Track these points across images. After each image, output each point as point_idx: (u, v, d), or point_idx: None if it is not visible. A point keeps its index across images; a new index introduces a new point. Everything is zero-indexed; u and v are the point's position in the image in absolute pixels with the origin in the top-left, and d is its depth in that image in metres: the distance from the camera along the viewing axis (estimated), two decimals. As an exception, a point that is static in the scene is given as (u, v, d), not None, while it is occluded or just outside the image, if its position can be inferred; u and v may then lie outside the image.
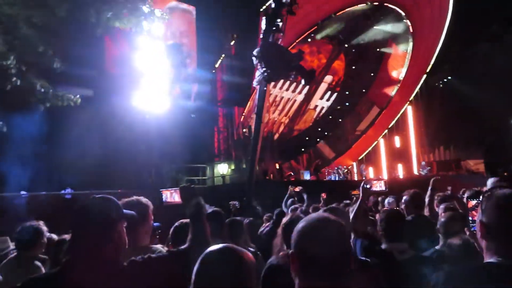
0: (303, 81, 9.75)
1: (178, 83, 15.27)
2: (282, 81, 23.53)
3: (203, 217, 1.99)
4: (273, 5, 9.88)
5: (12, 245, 3.81)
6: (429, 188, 4.29)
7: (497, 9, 24.77)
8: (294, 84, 23.68)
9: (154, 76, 14.47)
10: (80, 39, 9.16)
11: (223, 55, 17.50)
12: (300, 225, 1.33)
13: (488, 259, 1.43)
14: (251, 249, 3.35)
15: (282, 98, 24.24)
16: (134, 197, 2.30)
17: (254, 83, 10.44)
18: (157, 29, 14.96)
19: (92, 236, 1.66)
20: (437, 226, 3.13)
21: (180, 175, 13.67)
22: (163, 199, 2.44)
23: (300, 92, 24.91)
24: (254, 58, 9.56)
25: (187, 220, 2.17)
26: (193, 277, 1.31)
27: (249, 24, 15.13)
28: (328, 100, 25.73)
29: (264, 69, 9.37)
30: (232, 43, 17.27)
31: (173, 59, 15.07)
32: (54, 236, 3.66)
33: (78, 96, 8.77)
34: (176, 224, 2.70)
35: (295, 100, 25.14)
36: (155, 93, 14.20)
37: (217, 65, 17.64)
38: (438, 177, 4.59)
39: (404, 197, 4.11)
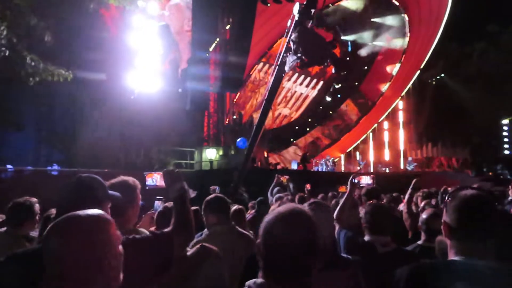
0: (333, 70, 9.73)
1: (168, 63, 15.19)
2: (297, 75, 23.73)
3: (186, 201, 1.99)
4: None
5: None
6: (410, 187, 4.36)
7: (494, 9, 24.87)
8: (308, 78, 23.84)
9: (146, 55, 14.33)
10: (74, 16, 8.98)
11: (217, 39, 17.31)
12: (269, 216, 1.31)
13: (452, 257, 1.48)
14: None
15: (295, 92, 24.37)
16: (121, 177, 2.23)
17: (286, 69, 10.39)
18: (152, 8, 14.81)
19: None
20: (419, 223, 3.19)
21: (168, 158, 13.63)
22: (147, 184, 2.41)
23: (314, 88, 25.21)
24: (291, 43, 9.50)
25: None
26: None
27: (245, 9, 14.96)
28: (307, 86, 25.80)
29: (300, 54, 9.33)
30: (227, 27, 17.08)
31: (164, 39, 14.97)
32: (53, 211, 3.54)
33: (69, 72, 8.62)
34: (161, 209, 2.66)
35: (307, 95, 25.42)
36: (147, 73, 14.08)
37: (211, 48, 17.45)
38: (419, 178, 4.67)
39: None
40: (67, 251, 1.12)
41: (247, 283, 1.26)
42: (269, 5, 16.71)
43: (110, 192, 1.91)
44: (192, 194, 2.28)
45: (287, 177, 6.66)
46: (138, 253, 1.34)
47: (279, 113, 25.31)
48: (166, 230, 1.86)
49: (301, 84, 25.40)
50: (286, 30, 10.54)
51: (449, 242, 1.52)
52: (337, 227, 2.88)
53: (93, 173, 1.91)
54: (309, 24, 9.72)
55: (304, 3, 9.70)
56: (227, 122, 18.10)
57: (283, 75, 10.76)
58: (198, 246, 2.28)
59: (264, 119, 11.46)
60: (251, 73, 23.39)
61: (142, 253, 1.62)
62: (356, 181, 3.31)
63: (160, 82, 14.70)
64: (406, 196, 4.63)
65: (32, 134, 12.04)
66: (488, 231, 1.46)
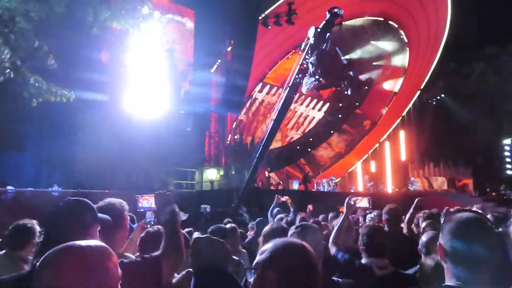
0: (349, 91, 9.96)
1: (172, 85, 15.35)
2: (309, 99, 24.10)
3: (177, 224, 1.97)
4: (327, 16, 10.15)
5: None
6: (412, 206, 4.32)
7: (492, 31, 25.21)
8: (321, 102, 24.18)
9: (150, 79, 14.49)
10: (76, 38, 9.14)
11: (219, 60, 17.54)
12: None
13: (448, 281, 1.44)
14: (235, 258, 3.34)
15: (307, 116, 24.62)
16: (108, 200, 2.20)
17: (304, 90, 10.68)
18: (155, 31, 15.06)
19: (64, 239, 1.64)
20: (419, 246, 3.15)
21: (169, 178, 13.61)
22: (138, 207, 2.36)
23: (320, 110, 25.53)
24: (310, 65, 9.76)
25: (156, 228, 2.15)
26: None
27: (246, 31, 15.23)
28: (319, 110, 25.99)
29: (318, 76, 9.56)
30: (228, 49, 17.34)
31: (169, 63, 15.20)
32: None
33: (72, 92, 8.70)
34: (143, 234, 2.59)
35: (313, 117, 25.70)
36: (150, 97, 14.22)
37: (212, 70, 17.68)
38: (423, 198, 4.62)
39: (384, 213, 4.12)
40: (61, 285, 1.07)
41: None
42: (270, 27, 17.00)
43: (99, 215, 1.89)
44: (183, 216, 2.27)
45: (287, 197, 6.62)
46: (126, 278, 1.32)
47: (291, 137, 25.55)
48: (155, 254, 1.84)
49: (313, 108, 25.74)
50: (299, 52, 10.82)
51: (445, 266, 1.48)
52: (334, 249, 2.86)
53: (93, 194, 1.91)
54: (324, 46, 10.00)
55: (320, 27, 9.98)
56: (228, 143, 18.15)
57: (294, 96, 11.01)
58: (184, 272, 2.24)
59: (271, 139, 11.56)
60: (264, 98, 23.78)
61: (130, 278, 1.60)
62: (352, 202, 3.29)
63: (164, 106, 14.80)
64: (407, 216, 4.58)
65: (33, 155, 12.07)
66: (483, 255, 1.41)
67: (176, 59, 15.97)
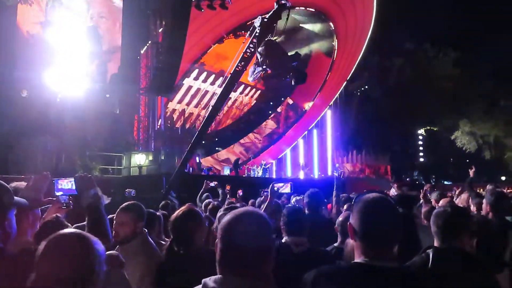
0: (293, 82, 10.01)
1: (94, 63, 14.58)
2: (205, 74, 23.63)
3: (101, 208, 1.92)
4: (275, 7, 10.08)
5: None
6: (334, 189, 4.60)
7: (411, 28, 27.19)
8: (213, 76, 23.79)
9: (71, 55, 13.59)
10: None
11: (149, 42, 16.90)
12: (227, 217, 1.36)
13: (357, 258, 1.53)
14: (163, 242, 3.35)
15: (199, 89, 24.15)
16: (14, 184, 2.10)
17: (250, 79, 10.51)
18: (77, 5, 14.14)
19: None
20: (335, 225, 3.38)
21: (93, 163, 12.94)
22: (57, 189, 2.24)
23: (220, 86, 25.12)
24: (258, 55, 9.64)
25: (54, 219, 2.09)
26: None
27: (178, 13, 14.78)
28: (252, 97, 26.22)
29: (264, 66, 9.49)
30: (160, 30, 16.75)
31: (91, 40, 14.41)
32: None
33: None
34: (46, 220, 2.47)
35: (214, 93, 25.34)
36: (71, 73, 13.34)
37: (142, 51, 16.99)
38: (341, 177, 4.94)
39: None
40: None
41: (203, 280, 1.29)
42: (203, 10, 16.69)
43: (16, 198, 1.79)
44: (106, 200, 2.20)
45: (215, 182, 6.65)
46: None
47: (223, 123, 25.38)
48: None
49: (246, 95, 25.64)
50: (243, 41, 10.83)
51: (355, 244, 1.56)
52: None
53: (5, 179, 1.79)
54: (269, 37, 10.05)
55: (267, 17, 10.01)
56: (158, 127, 17.68)
57: (235, 83, 11.00)
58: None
59: (209, 124, 11.49)
60: (200, 86, 23.25)
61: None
62: (276, 188, 3.48)
63: (86, 84, 13.99)
64: (333, 198, 4.88)
65: None
66: (387, 232, 1.51)
67: (101, 37, 15.13)
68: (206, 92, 23.88)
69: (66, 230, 1.36)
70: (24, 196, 1.96)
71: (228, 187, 6.51)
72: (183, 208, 2.49)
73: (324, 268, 1.58)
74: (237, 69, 11.09)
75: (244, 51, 11.10)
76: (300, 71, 10.02)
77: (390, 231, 1.52)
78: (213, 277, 1.29)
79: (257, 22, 10.19)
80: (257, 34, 10.15)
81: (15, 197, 1.79)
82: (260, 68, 9.67)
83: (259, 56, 9.65)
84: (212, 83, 23.73)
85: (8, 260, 1.57)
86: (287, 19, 10.67)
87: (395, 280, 1.44)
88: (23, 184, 2.20)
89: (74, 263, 1.22)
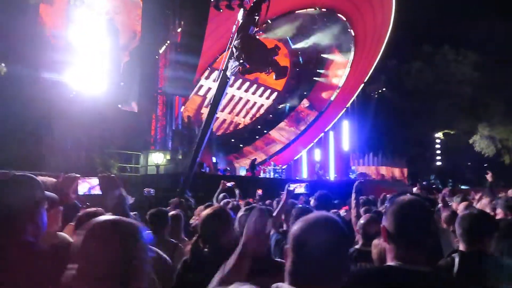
0: (274, 76, 9.72)
1: (113, 60, 14.72)
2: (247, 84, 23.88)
3: (126, 208, 1.91)
4: None
5: None
6: (353, 191, 4.56)
7: (430, 31, 26.79)
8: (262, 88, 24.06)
9: (92, 53, 13.80)
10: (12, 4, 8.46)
11: (168, 41, 17.05)
12: (300, 224, 1.27)
13: (390, 262, 1.50)
14: (173, 241, 3.38)
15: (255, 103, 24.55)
16: (40, 178, 2.13)
17: (228, 74, 10.25)
18: (98, 3, 14.32)
19: (13, 215, 1.55)
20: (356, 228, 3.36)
21: (112, 161, 13.11)
22: (78, 191, 2.28)
23: (268, 98, 25.57)
24: (234, 49, 9.41)
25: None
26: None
27: (197, 13, 14.89)
28: (267, 98, 26.24)
29: (242, 61, 9.25)
30: (179, 30, 16.89)
31: (112, 37, 14.49)
32: None
33: (3, 65, 8.09)
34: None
35: (262, 105, 25.71)
36: (91, 71, 13.56)
37: (161, 51, 17.16)
38: (361, 180, 4.90)
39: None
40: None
41: (276, 284, 1.22)
42: (221, 10, 16.75)
43: (46, 193, 1.80)
44: (130, 200, 2.22)
45: (232, 183, 6.67)
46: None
47: (239, 124, 25.55)
48: None
49: (261, 96, 25.76)
50: (231, 36, 10.52)
51: (387, 247, 1.53)
52: (272, 231, 3.01)
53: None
54: (253, 30, 9.76)
55: (248, 8, 9.77)
56: (175, 127, 17.82)
57: (228, 80, 10.72)
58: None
59: (210, 123, 11.37)
60: (211, 86, 23.45)
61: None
62: (291, 188, 3.61)
63: (104, 81, 14.16)
64: (353, 201, 4.84)
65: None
66: (424, 236, 1.49)
67: (119, 32, 15.20)
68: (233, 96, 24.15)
69: (105, 217, 1.35)
70: (52, 192, 1.99)
71: (259, 191, 6.51)
72: (214, 207, 2.50)
73: (357, 271, 1.56)
74: (227, 65, 10.65)
75: (231, 46, 10.40)
76: (278, 65, 9.63)
77: (426, 235, 1.50)
78: (282, 285, 1.23)
79: (240, 15, 9.91)
80: (239, 27, 9.80)
81: (46, 192, 1.80)
82: (237, 63, 9.36)
83: (235, 50, 9.35)
84: (231, 86, 23.83)
85: (41, 255, 1.57)
86: (267, 11, 10.25)
87: (430, 284, 1.42)
88: (49, 179, 2.24)
89: (118, 251, 1.19)
